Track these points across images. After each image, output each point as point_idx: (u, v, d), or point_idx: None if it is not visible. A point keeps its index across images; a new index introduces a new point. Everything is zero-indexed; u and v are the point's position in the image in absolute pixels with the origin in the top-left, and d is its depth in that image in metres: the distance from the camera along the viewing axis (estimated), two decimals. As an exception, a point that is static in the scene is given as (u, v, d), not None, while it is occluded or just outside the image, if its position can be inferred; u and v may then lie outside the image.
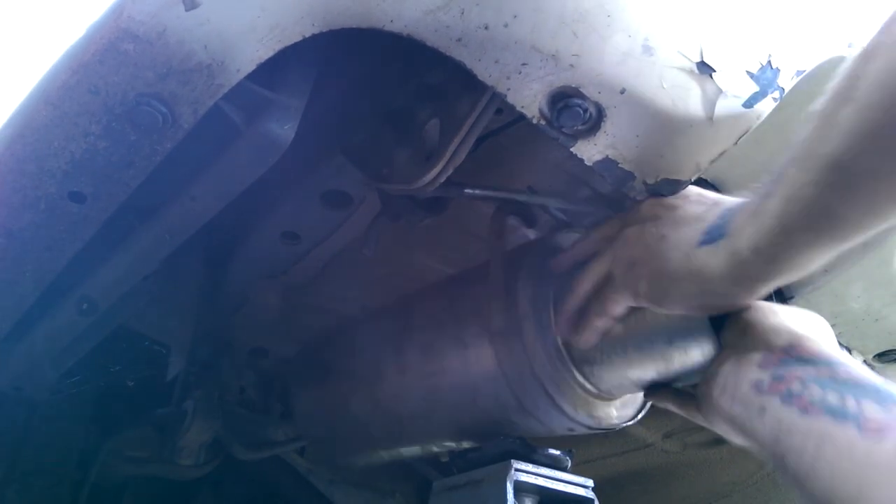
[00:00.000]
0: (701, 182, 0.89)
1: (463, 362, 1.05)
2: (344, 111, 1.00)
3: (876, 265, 1.06)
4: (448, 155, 0.88)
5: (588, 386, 0.95)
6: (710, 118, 0.74)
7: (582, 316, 0.88)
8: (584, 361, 0.94)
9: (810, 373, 0.66)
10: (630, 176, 0.79)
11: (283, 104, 0.83)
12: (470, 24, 0.69)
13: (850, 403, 0.61)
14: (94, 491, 1.76)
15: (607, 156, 0.77)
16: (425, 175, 0.90)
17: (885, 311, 1.13)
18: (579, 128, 0.75)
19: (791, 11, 0.76)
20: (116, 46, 0.69)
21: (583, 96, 0.73)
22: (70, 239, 0.93)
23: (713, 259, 0.71)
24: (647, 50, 0.70)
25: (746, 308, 0.78)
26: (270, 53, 0.72)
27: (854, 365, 0.66)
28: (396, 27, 0.71)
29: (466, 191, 0.98)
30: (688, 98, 0.73)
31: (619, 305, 0.84)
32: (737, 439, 0.75)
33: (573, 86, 0.72)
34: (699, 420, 0.83)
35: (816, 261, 0.65)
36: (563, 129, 0.75)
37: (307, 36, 0.72)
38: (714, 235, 0.72)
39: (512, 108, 0.75)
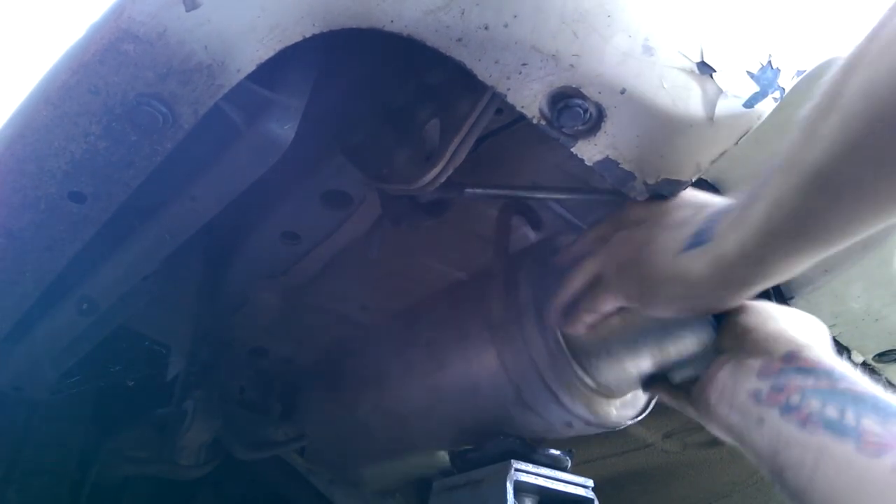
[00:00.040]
0: (701, 182, 0.89)
1: (464, 355, 1.07)
2: (344, 111, 1.00)
3: (876, 265, 1.06)
4: (448, 155, 0.88)
5: (587, 379, 0.95)
6: (711, 118, 0.74)
7: (572, 310, 0.89)
8: (582, 353, 0.95)
9: (809, 384, 0.66)
10: (630, 176, 0.79)
11: (283, 104, 0.83)
12: (470, 25, 0.69)
13: (850, 418, 0.61)
14: (94, 491, 1.76)
15: (608, 156, 0.77)
16: (425, 175, 0.90)
17: (885, 311, 1.13)
18: (579, 128, 0.75)
19: (791, 11, 0.76)
20: (117, 47, 0.69)
21: (583, 96, 0.73)
22: (70, 239, 0.93)
23: (698, 263, 0.71)
24: (648, 50, 0.70)
25: (744, 310, 0.78)
26: (271, 53, 0.72)
27: (854, 376, 0.66)
28: (397, 27, 0.71)
29: (467, 191, 0.99)
30: (688, 98, 0.73)
31: (609, 304, 0.85)
32: (733, 442, 0.75)
33: (573, 86, 0.72)
34: (694, 415, 0.83)
35: (800, 265, 0.65)
36: (564, 130, 0.75)
37: (307, 36, 0.72)
38: (699, 240, 0.72)
39: (512, 108, 0.75)
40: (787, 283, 1.10)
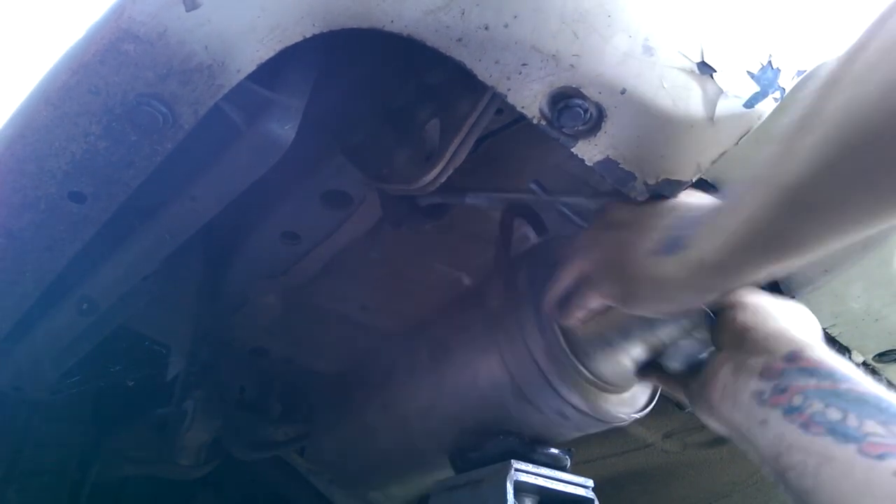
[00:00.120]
0: (701, 182, 0.89)
1: (463, 350, 1.08)
2: (344, 111, 1.00)
3: (876, 265, 1.06)
4: (448, 155, 0.88)
5: (581, 369, 0.95)
6: (711, 118, 0.74)
7: (565, 304, 0.91)
8: (577, 344, 0.95)
9: (812, 385, 0.66)
10: (631, 176, 0.79)
11: (283, 104, 0.83)
12: (470, 25, 0.69)
13: (852, 420, 0.61)
14: (94, 491, 1.77)
15: (608, 156, 0.77)
16: (425, 175, 0.90)
17: (885, 311, 1.13)
18: (580, 128, 0.75)
19: (791, 11, 0.76)
20: (117, 47, 0.69)
21: (583, 96, 0.73)
22: (70, 239, 0.93)
23: (672, 269, 0.72)
24: (648, 50, 0.70)
25: (741, 307, 0.78)
26: (271, 54, 0.72)
27: (856, 376, 0.67)
28: (397, 27, 0.71)
29: (468, 197, 0.99)
30: (689, 98, 0.73)
31: (596, 303, 0.87)
32: (734, 440, 0.75)
33: (574, 86, 0.72)
34: (694, 409, 0.84)
35: (772, 275, 0.67)
36: (564, 130, 0.75)
37: (307, 36, 0.72)
38: (672, 246, 0.73)
39: (512, 108, 0.75)
40: (787, 283, 1.10)
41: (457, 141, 0.87)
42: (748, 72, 0.73)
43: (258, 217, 1.17)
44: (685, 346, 0.89)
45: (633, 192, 0.81)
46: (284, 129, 0.84)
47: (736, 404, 0.72)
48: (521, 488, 0.96)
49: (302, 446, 1.57)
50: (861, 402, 0.63)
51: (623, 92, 0.72)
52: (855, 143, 0.51)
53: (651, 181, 0.79)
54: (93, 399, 1.74)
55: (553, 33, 0.69)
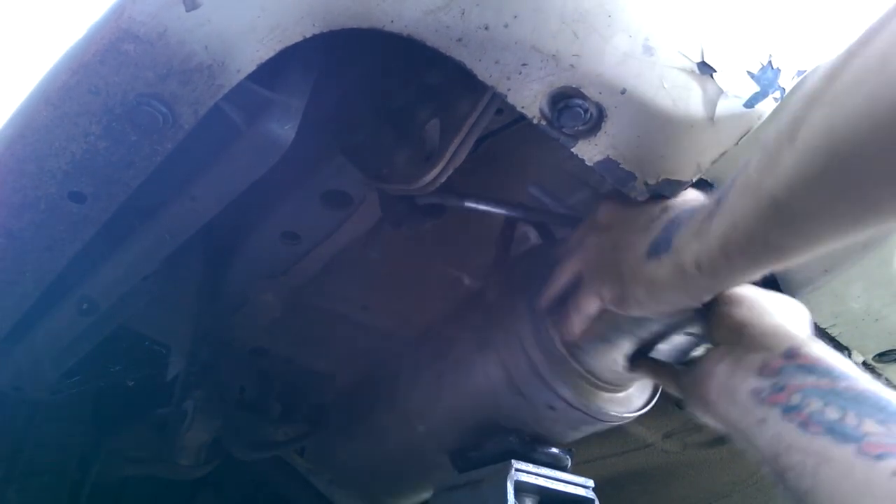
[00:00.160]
0: (701, 182, 0.89)
1: (463, 344, 1.10)
2: (344, 111, 1.00)
3: (876, 265, 1.06)
4: (448, 155, 0.88)
5: (572, 362, 0.95)
6: (711, 118, 0.74)
7: (564, 316, 0.92)
8: (569, 338, 0.95)
9: (810, 383, 0.66)
10: (631, 176, 0.79)
11: (283, 104, 0.83)
12: (470, 25, 0.69)
13: (851, 420, 0.61)
14: (94, 491, 1.77)
15: (608, 156, 0.77)
16: (425, 175, 0.90)
17: (885, 311, 1.13)
18: (580, 128, 0.75)
19: (791, 11, 0.76)
20: (117, 47, 0.69)
21: (583, 96, 0.73)
22: (70, 239, 0.93)
23: (659, 271, 0.73)
24: (648, 50, 0.70)
25: (735, 302, 0.78)
26: (271, 54, 0.72)
27: (854, 373, 0.67)
28: (397, 27, 0.71)
29: (467, 203, 0.99)
30: (689, 98, 0.73)
31: (592, 306, 0.87)
32: (730, 435, 0.75)
33: (574, 86, 0.72)
34: (675, 393, 0.85)
35: (756, 276, 0.68)
36: (564, 130, 0.75)
37: (307, 36, 0.72)
38: (659, 249, 0.74)
39: (512, 108, 0.75)
40: (787, 283, 1.10)
41: (457, 141, 0.87)
42: (748, 72, 0.73)
43: (258, 217, 1.17)
44: (676, 341, 0.90)
45: (634, 192, 0.81)
46: (284, 129, 0.84)
47: (734, 402, 0.72)
48: (521, 488, 0.96)
49: (302, 446, 1.57)
50: (860, 401, 0.63)
51: (623, 92, 0.72)
52: (839, 156, 0.52)
53: (651, 181, 0.79)
54: (93, 399, 1.74)
55: (553, 33, 0.69)
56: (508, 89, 0.73)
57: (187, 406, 1.31)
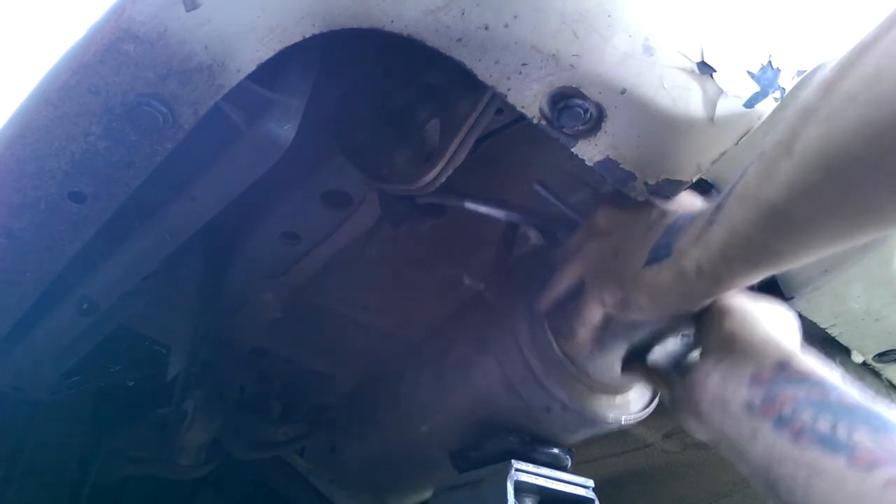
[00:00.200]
0: (701, 182, 0.89)
1: (463, 344, 1.10)
2: (344, 111, 1.00)
3: (876, 265, 1.06)
4: (448, 155, 0.88)
5: (568, 364, 0.95)
6: (711, 118, 0.74)
7: (569, 332, 0.92)
8: (564, 340, 0.96)
9: (801, 395, 0.66)
10: (631, 176, 0.79)
11: (283, 104, 0.83)
12: (470, 25, 0.69)
13: (841, 432, 0.61)
14: (94, 491, 1.77)
15: (608, 156, 0.77)
16: (425, 175, 0.90)
17: (885, 311, 1.13)
18: (580, 128, 0.75)
19: (791, 11, 0.76)
20: (117, 47, 0.69)
21: (583, 96, 0.73)
22: (70, 239, 0.93)
23: (660, 277, 0.74)
24: (648, 50, 0.70)
25: (726, 312, 0.78)
26: (271, 54, 0.72)
27: (844, 385, 0.67)
28: (397, 27, 0.71)
29: (467, 204, 0.99)
30: (689, 98, 0.73)
31: (595, 314, 0.87)
32: (718, 448, 0.76)
33: (574, 86, 0.72)
34: (667, 399, 0.86)
35: (756, 280, 0.69)
36: (564, 130, 0.75)
37: (307, 36, 0.72)
38: (659, 255, 0.75)
39: (512, 108, 0.75)
40: (787, 283, 1.10)
41: (457, 141, 0.87)
42: (748, 72, 0.73)
43: (258, 217, 1.17)
44: (671, 345, 0.90)
45: (634, 192, 0.81)
46: (284, 129, 0.84)
47: (724, 413, 0.72)
48: (521, 488, 0.96)
49: (302, 446, 1.57)
50: (850, 412, 0.63)
51: (623, 92, 0.72)
52: (835, 168, 0.52)
53: (651, 181, 0.79)
54: (93, 399, 1.74)
55: (553, 33, 0.69)
56: (508, 89, 0.73)
57: (187, 406, 1.31)
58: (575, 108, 0.73)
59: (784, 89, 0.75)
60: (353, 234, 1.15)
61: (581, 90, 0.72)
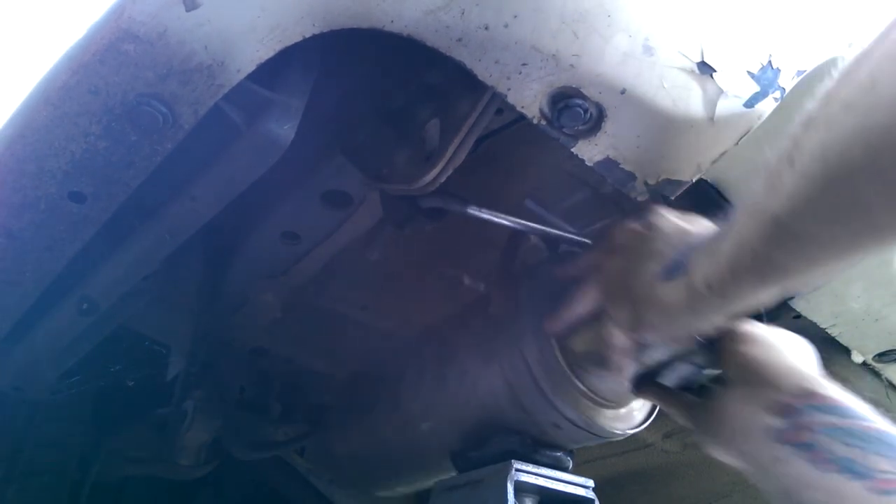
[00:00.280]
0: (701, 182, 0.89)
1: (467, 352, 1.10)
2: (344, 111, 1.00)
3: (876, 265, 1.06)
4: (448, 155, 0.88)
5: (577, 382, 0.96)
6: (711, 118, 0.74)
7: (571, 332, 0.93)
8: (573, 359, 0.96)
9: (824, 423, 0.68)
10: (631, 176, 0.79)
11: (283, 104, 0.83)
12: (470, 25, 0.69)
13: (863, 458, 0.63)
14: (94, 491, 1.77)
15: (608, 156, 0.77)
16: (425, 175, 0.90)
17: (885, 311, 1.13)
18: (580, 128, 0.75)
19: (791, 11, 0.76)
20: (117, 47, 0.69)
21: (583, 96, 0.73)
22: (70, 239, 0.92)
23: (672, 294, 0.74)
24: (648, 50, 0.70)
25: (745, 340, 0.79)
26: (271, 54, 0.72)
27: (865, 412, 0.69)
28: (397, 27, 0.71)
29: (470, 210, 0.99)
30: (689, 98, 0.73)
31: (606, 333, 0.87)
32: (744, 472, 0.77)
33: (574, 86, 0.72)
34: (681, 420, 0.86)
35: (764, 298, 0.68)
36: (564, 130, 0.75)
37: (307, 36, 0.72)
38: (673, 272, 0.75)
39: (512, 108, 0.75)
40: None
41: (457, 141, 0.87)
42: (748, 72, 0.73)
43: (258, 217, 1.16)
44: (681, 369, 0.89)
45: (634, 192, 0.81)
46: (284, 129, 0.84)
47: (748, 440, 0.73)
48: (521, 488, 0.96)
49: (302, 446, 1.57)
50: (872, 440, 0.65)
51: (623, 92, 0.72)
52: (835, 179, 0.52)
53: (651, 181, 0.79)
54: (93, 399, 1.74)
55: (553, 33, 0.69)
56: (508, 89, 0.73)
57: (187, 406, 1.31)
58: (575, 108, 0.73)
59: (784, 89, 0.75)
60: (353, 235, 1.15)
61: (581, 90, 0.72)
